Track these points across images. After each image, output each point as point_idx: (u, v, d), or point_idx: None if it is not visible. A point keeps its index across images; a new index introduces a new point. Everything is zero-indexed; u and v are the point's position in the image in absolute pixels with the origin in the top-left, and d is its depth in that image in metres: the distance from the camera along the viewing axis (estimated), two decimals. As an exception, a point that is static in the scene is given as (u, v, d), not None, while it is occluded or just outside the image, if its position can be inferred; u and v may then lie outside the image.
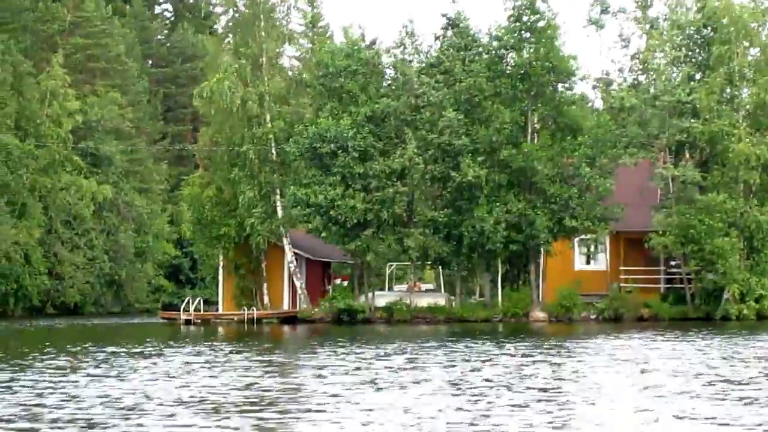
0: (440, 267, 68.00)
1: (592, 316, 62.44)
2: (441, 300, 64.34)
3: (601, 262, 66.31)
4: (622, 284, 64.99)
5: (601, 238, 63.25)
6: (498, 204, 61.25)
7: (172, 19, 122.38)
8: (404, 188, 61.23)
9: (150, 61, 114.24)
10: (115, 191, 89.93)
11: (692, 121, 62.04)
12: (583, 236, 64.22)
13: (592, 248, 65.28)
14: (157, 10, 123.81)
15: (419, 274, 72.37)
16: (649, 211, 63.25)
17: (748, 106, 63.12)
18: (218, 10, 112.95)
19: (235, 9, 66.60)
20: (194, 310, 64.43)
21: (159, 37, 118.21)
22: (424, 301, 63.61)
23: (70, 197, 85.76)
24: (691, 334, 46.65)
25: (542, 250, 63.07)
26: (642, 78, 69.09)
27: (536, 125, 63.51)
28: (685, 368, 29.00)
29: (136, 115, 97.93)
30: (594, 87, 72.43)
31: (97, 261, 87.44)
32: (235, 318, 63.16)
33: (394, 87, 63.40)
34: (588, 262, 66.72)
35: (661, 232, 61.58)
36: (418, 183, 61.48)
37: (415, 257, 62.46)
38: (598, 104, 75.80)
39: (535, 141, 62.56)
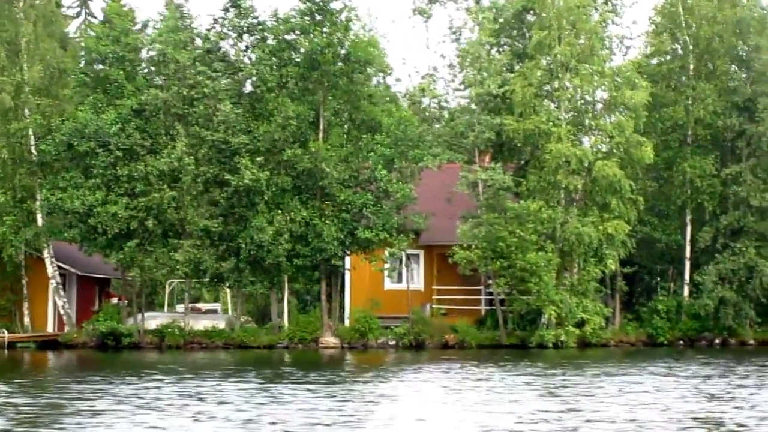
0: (218, 284, 59.24)
1: (391, 342, 54.03)
2: (221, 323, 55.63)
3: (417, 281, 58.13)
4: (436, 305, 56.80)
5: (399, 253, 54.29)
6: (280, 212, 52.76)
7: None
8: (173, 193, 52.72)
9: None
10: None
11: (506, 117, 53.75)
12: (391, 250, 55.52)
13: (400, 263, 56.44)
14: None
15: (212, 292, 63.85)
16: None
17: (569, 101, 54.76)
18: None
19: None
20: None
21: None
22: (201, 324, 54.92)
23: None
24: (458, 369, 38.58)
25: (339, 265, 54.92)
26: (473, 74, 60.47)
27: (329, 122, 54.94)
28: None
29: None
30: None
31: None
32: (-21, 343, 54.46)
33: (164, 76, 54.67)
34: (399, 281, 58.07)
35: (466, 245, 53.20)
36: (188, 187, 52.92)
37: (184, 273, 53.82)
38: (426, 102, 67.33)
39: (327, 140, 54.10)
